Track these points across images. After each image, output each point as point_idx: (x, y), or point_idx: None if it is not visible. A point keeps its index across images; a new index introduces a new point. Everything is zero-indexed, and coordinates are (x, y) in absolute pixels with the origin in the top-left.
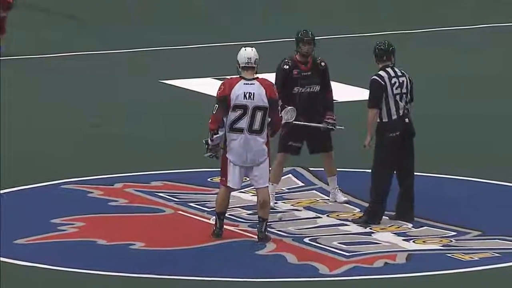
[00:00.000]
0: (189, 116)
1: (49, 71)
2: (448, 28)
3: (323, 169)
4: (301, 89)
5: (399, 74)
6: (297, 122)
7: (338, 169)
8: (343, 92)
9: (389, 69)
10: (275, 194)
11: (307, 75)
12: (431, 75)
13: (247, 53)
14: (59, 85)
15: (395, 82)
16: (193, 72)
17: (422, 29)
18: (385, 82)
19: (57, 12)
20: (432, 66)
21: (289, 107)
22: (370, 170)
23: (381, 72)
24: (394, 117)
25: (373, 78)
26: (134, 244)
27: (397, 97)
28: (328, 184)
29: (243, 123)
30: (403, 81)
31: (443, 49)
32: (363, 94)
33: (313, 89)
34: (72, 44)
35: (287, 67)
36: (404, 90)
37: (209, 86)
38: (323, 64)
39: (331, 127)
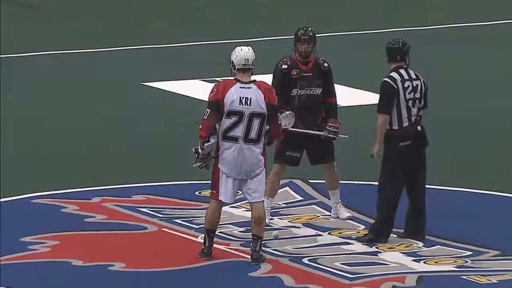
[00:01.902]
0: (174, 122)
1: (19, 70)
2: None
3: (324, 181)
4: (300, 91)
5: (413, 76)
6: (295, 129)
7: (341, 182)
8: (347, 96)
9: (402, 71)
10: (271, 209)
11: (307, 75)
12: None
13: (244, 54)
14: (29, 86)
15: (408, 86)
16: (179, 73)
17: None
18: (397, 86)
19: (34, 7)
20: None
21: (287, 112)
22: (377, 183)
23: (394, 74)
24: (406, 124)
25: (385, 80)
26: (113, 265)
27: (410, 103)
28: (329, 198)
29: (238, 131)
30: (417, 85)
31: (452, 48)
32: (370, 98)
33: (313, 91)
34: (48, 42)
35: (286, 66)
36: (417, 95)
37: (196, 89)
38: (325, 65)
39: (332, 135)
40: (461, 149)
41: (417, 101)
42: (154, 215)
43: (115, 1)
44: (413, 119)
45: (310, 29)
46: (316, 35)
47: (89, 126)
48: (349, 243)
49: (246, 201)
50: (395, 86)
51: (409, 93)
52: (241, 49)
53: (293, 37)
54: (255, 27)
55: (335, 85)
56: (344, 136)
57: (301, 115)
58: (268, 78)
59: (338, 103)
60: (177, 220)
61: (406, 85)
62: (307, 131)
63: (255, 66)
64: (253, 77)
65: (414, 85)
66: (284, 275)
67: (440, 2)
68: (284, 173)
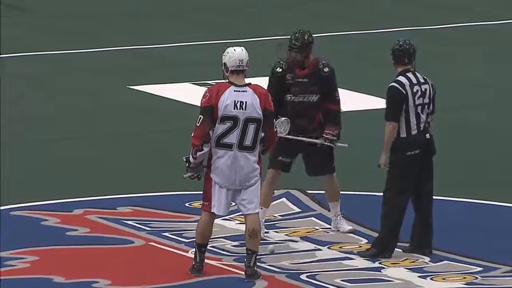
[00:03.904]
0: (163, 129)
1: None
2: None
3: (323, 192)
4: (293, 97)
5: (422, 80)
6: (289, 137)
7: (343, 192)
8: (350, 101)
9: (410, 75)
10: (265, 222)
11: (301, 81)
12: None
13: (238, 54)
14: (10, 89)
15: (417, 91)
16: (168, 76)
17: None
18: (406, 91)
19: (20, 8)
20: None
21: (283, 118)
22: (381, 194)
23: (401, 78)
24: (414, 132)
25: (392, 85)
26: (98, 282)
27: (419, 109)
28: (329, 210)
29: (233, 138)
30: (425, 89)
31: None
32: (374, 103)
33: (307, 98)
34: (33, 42)
35: (280, 70)
36: (426, 100)
37: (186, 92)
38: (326, 70)
39: (328, 143)
40: (470, 157)
41: (426, 106)
42: (141, 228)
43: (100, 0)
44: (421, 126)
45: (300, 36)
46: (312, 40)
47: (71, 132)
48: (350, 258)
49: (240, 213)
50: (403, 91)
51: (418, 98)
52: (234, 50)
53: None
54: (251, 26)
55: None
56: (343, 144)
57: (293, 121)
58: (263, 81)
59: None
60: (166, 234)
61: (415, 90)
62: (302, 138)
63: (248, 67)
64: (247, 80)
65: (423, 90)
66: None
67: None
68: (277, 181)
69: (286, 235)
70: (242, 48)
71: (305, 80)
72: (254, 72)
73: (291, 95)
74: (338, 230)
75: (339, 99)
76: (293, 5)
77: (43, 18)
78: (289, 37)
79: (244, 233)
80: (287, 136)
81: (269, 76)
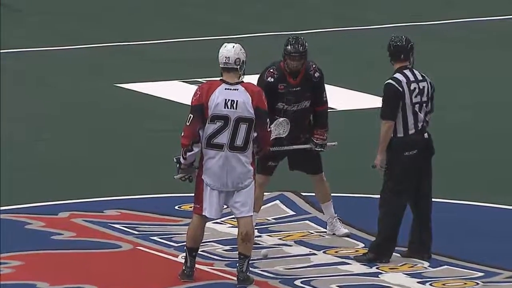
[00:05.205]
0: (152, 128)
1: None
2: None
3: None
4: (286, 106)
5: (419, 78)
6: (281, 149)
7: (338, 195)
8: (346, 100)
9: (407, 72)
10: (258, 225)
11: (295, 90)
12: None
13: (225, 51)
14: None
15: (414, 88)
16: (156, 73)
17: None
18: (403, 88)
19: (6, 5)
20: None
21: (281, 119)
22: (378, 196)
23: (398, 75)
24: (412, 131)
25: (388, 83)
26: None
27: (417, 107)
28: (324, 213)
29: (224, 138)
30: (423, 87)
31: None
32: (370, 101)
33: (301, 106)
34: (17, 39)
35: (272, 80)
36: (424, 98)
37: (175, 91)
38: (317, 75)
39: (319, 149)
40: (470, 158)
41: (424, 105)
42: (128, 232)
43: None
44: (419, 125)
45: (301, 43)
46: (307, 47)
47: (56, 133)
48: (346, 263)
49: (231, 216)
50: (400, 88)
51: (416, 96)
52: (225, 46)
53: (283, 47)
54: (245, 23)
55: (333, 86)
56: (333, 143)
57: None
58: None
59: (335, 108)
60: (155, 238)
61: (412, 88)
62: (292, 146)
63: (245, 66)
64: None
65: (421, 87)
66: None
67: None
68: (267, 184)
69: (279, 239)
70: (236, 45)
71: (298, 88)
72: (247, 69)
73: (283, 104)
74: (333, 234)
75: (326, 99)
76: (291, 2)
77: (30, 15)
78: (284, 45)
79: (236, 237)
80: (279, 149)
81: (258, 82)
